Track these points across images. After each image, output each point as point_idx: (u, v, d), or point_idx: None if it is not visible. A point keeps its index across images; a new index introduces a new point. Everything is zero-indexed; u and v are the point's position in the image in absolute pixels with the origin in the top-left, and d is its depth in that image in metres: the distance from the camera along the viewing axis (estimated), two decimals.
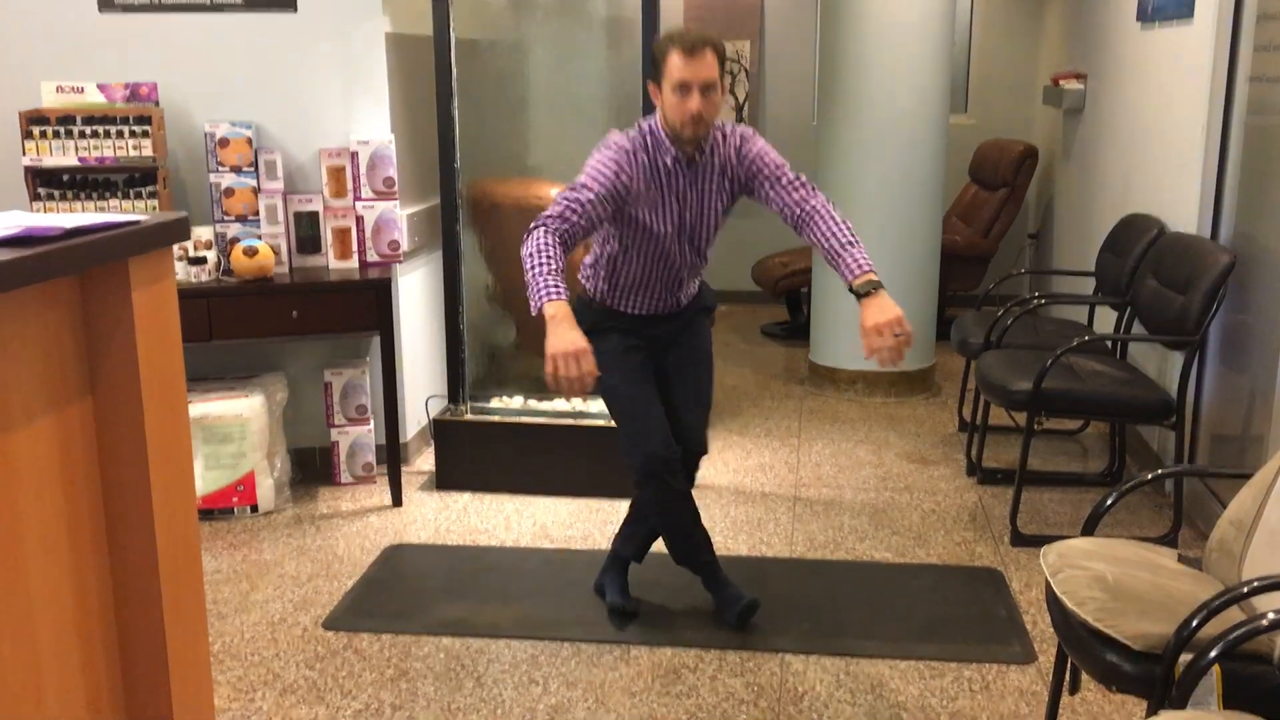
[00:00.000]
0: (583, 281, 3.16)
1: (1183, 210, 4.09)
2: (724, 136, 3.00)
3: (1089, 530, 2.53)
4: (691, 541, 3.23)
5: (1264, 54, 3.63)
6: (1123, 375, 3.88)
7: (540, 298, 2.61)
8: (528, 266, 2.66)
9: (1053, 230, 6.54)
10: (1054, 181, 6.53)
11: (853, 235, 2.89)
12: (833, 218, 2.90)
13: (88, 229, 1.70)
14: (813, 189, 2.99)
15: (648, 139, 2.93)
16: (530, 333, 4.84)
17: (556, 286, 2.61)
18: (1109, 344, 4.31)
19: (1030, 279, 6.69)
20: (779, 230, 7.27)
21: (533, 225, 2.74)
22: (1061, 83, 5.89)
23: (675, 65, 2.80)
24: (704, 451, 3.23)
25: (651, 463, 3.01)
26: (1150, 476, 2.53)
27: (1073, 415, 3.97)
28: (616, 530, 3.44)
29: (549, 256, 2.65)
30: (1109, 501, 2.50)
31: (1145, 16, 4.60)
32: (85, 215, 1.79)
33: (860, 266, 2.79)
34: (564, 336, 2.55)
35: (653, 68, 2.90)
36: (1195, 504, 3.90)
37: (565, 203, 2.76)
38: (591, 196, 2.78)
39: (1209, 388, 3.97)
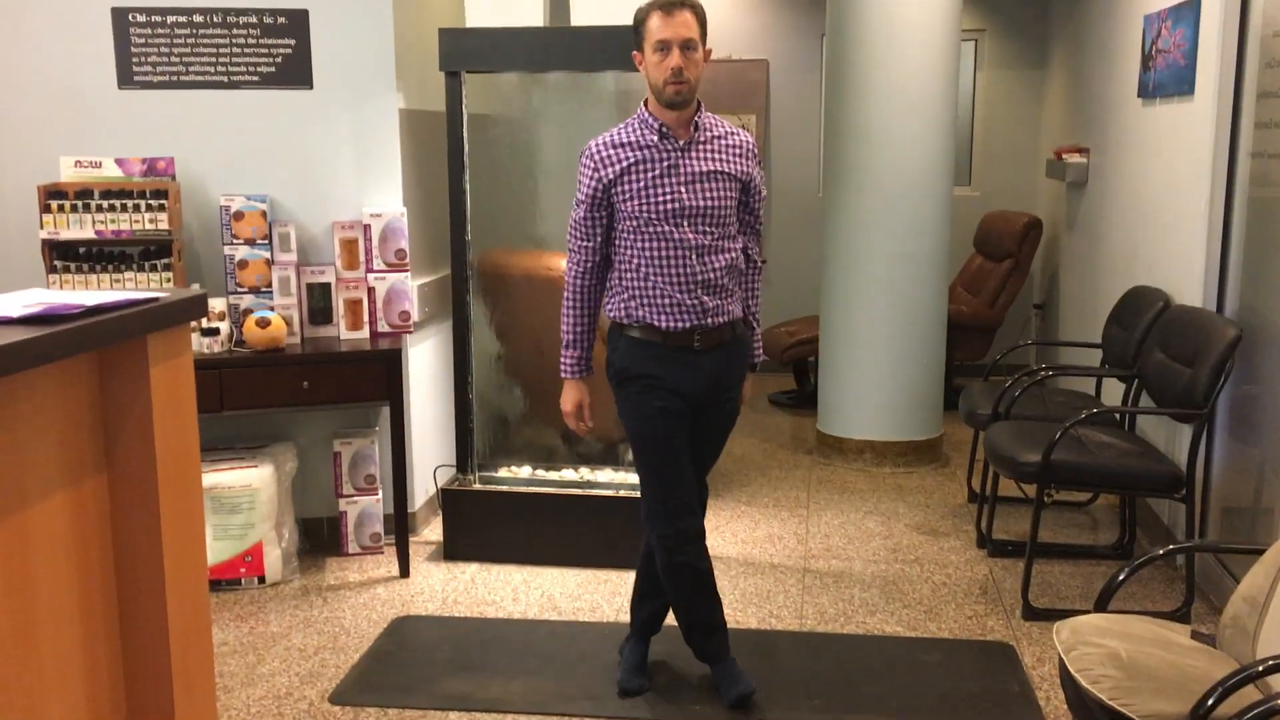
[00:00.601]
0: (608, 311, 3.10)
1: (1188, 283, 4.12)
2: (730, 130, 3.03)
3: (1101, 607, 2.51)
4: (704, 625, 3.17)
5: (1265, 130, 3.68)
6: (1132, 448, 3.88)
7: (565, 371, 3.14)
8: (566, 321, 3.12)
9: (1058, 301, 6.57)
10: (1059, 253, 6.58)
11: (757, 315, 3.24)
12: (755, 287, 3.21)
13: (107, 307, 1.73)
14: (757, 238, 3.18)
15: (634, 121, 2.98)
16: (540, 403, 4.86)
17: (576, 364, 3.12)
18: (1118, 416, 4.31)
19: (1037, 350, 6.71)
20: (786, 299, 7.34)
21: (566, 266, 3.08)
22: (1064, 156, 5.96)
23: (654, 25, 2.86)
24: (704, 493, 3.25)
25: (671, 540, 3.02)
26: (1161, 553, 2.52)
27: (1082, 488, 3.95)
28: (630, 600, 3.39)
29: (568, 316, 3.10)
30: (1121, 578, 2.49)
31: (1146, 93, 4.67)
32: (104, 293, 1.82)
33: (757, 356, 3.24)
34: (566, 397, 3.16)
35: (634, 38, 2.94)
36: (1207, 578, 3.88)
37: (569, 231, 3.06)
38: (581, 212, 3.01)
39: (1219, 460, 3.97)
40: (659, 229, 2.93)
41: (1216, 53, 3.88)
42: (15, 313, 1.64)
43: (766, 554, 4.36)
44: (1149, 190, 4.66)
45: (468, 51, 4.12)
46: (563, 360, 3.12)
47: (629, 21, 3.97)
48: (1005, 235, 6.57)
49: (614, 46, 3.99)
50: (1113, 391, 4.75)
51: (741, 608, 3.87)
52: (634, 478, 4.43)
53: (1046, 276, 6.93)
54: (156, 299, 1.84)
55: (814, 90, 7.38)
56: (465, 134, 4.20)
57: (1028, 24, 7.25)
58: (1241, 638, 2.31)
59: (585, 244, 3.03)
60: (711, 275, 2.97)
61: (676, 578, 3.09)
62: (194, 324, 3.93)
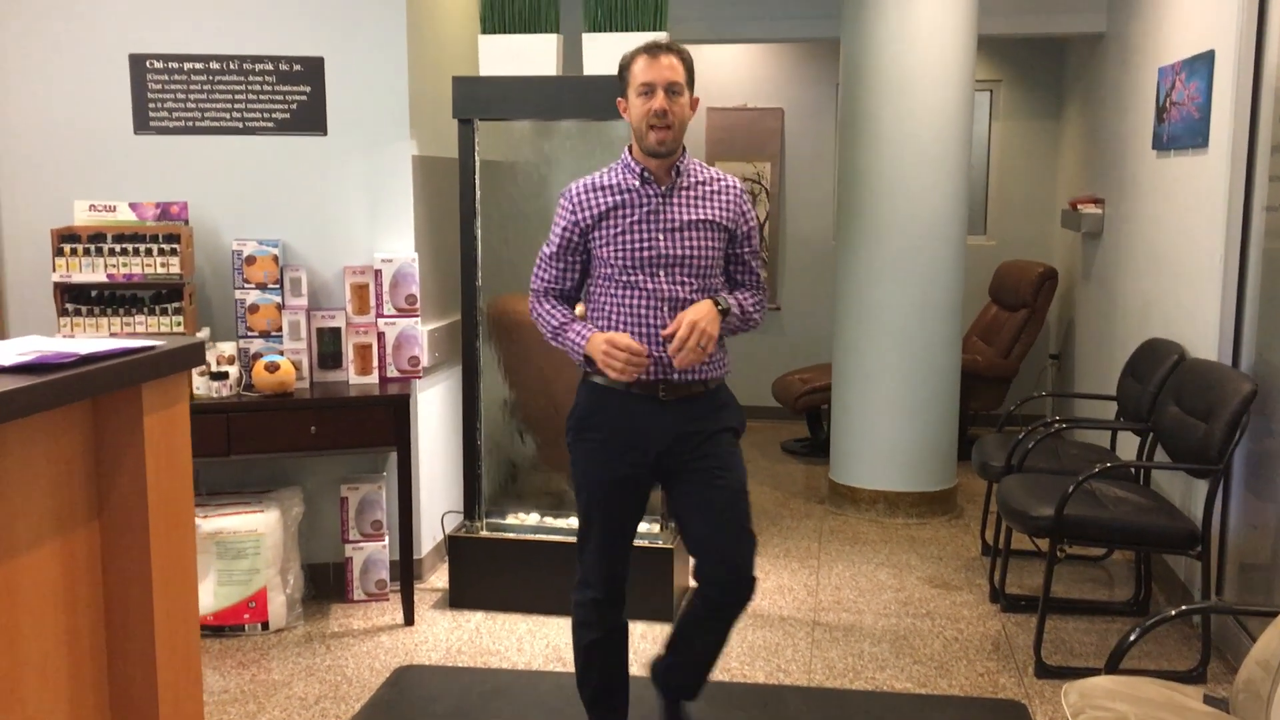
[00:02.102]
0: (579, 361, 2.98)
1: (1203, 336, 4.08)
2: (716, 175, 2.91)
3: (1112, 668, 2.46)
4: (601, 696, 3.04)
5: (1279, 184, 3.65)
6: (1146, 503, 3.82)
7: (578, 349, 2.83)
8: (547, 336, 2.92)
9: (1074, 352, 6.53)
10: (1074, 303, 6.54)
11: (751, 301, 2.94)
12: (754, 298, 2.97)
13: (101, 355, 1.72)
14: (757, 285, 2.99)
15: (616, 166, 2.90)
16: (549, 449, 4.84)
17: (580, 332, 2.84)
18: (1133, 470, 4.25)
19: (1053, 401, 6.64)
20: (799, 346, 7.32)
21: (529, 299, 2.98)
22: (1080, 207, 5.94)
23: (638, 69, 2.79)
24: (746, 578, 2.89)
25: (579, 609, 2.98)
26: (1173, 614, 2.47)
27: (1095, 543, 3.89)
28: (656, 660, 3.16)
29: (554, 313, 2.91)
30: (1132, 638, 2.44)
31: (1161, 145, 4.66)
32: (100, 340, 1.81)
33: (729, 296, 2.88)
34: (597, 348, 2.78)
35: (620, 84, 2.87)
36: (1224, 637, 3.80)
37: (536, 266, 2.97)
38: (552, 250, 2.93)
39: (1235, 516, 3.90)
40: (633, 279, 2.81)
41: (1230, 106, 3.86)
42: (8, 361, 1.64)
43: (776, 606, 4.31)
44: (1163, 242, 4.63)
45: (481, 100, 4.14)
46: (570, 343, 2.86)
47: None
48: (1021, 285, 6.55)
49: None
50: (1128, 444, 4.69)
51: (749, 661, 3.81)
52: (642, 525, 4.40)
53: (1063, 327, 6.89)
54: (153, 348, 1.83)
55: (829, 138, 7.40)
56: (477, 181, 4.21)
57: (1043, 75, 7.26)
58: (1255, 703, 2.25)
59: (547, 283, 2.94)
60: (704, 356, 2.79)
61: (577, 642, 3.02)
62: (203, 368, 3.93)
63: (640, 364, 2.73)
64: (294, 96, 4.20)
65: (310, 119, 4.22)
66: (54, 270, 3.88)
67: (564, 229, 2.90)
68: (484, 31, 4.19)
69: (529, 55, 4.14)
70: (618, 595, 2.98)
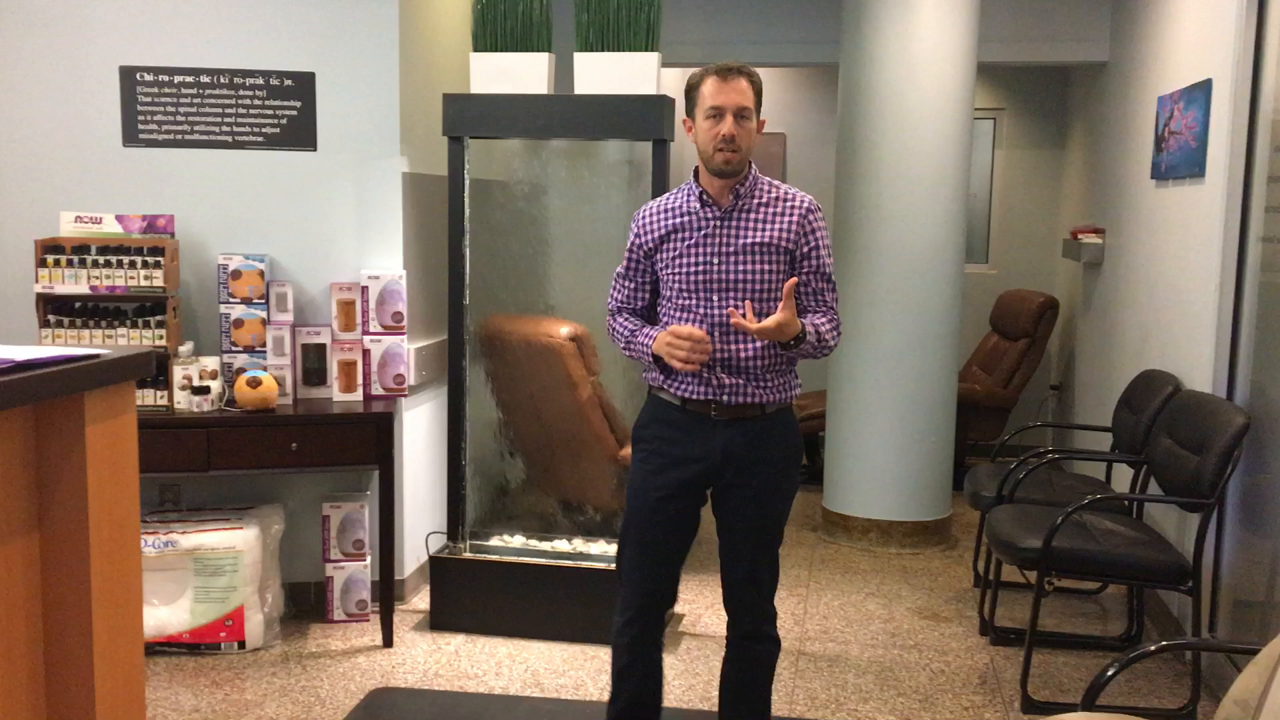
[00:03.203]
0: (644, 376, 2.96)
1: (1198, 368, 4.02)
2: (785, 195, 2.81)
3: (1089, 704, 2.39)
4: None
5: (1276, 215, 3.60)
6: (1137, 536, 3.76)
7: (646, 350, 2.80)
8: (621, 347, 2.91)
9: (1074, 383, 6.46)
10: (1075, 333, 6.48)
11: (827, 325, 2.79)
12: (828, 320, 2.82)
13: (41, 362, 1.68)
14: (829, 310, 2.85)
15: (685, 187, 2.86)
16: (537, 470, 4.79)
17: (648, 333, 2.82)
18: (1125, 503, 4.18)
19: (1052, 432, 6.57)
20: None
21: (606, 321, 2.99)
22: (1080, 236, 5.89)
23: (708, 91, 2.73)
24: (764, 625, 2.89)
25: (616, 631, 2.94)
26: (1153, 649, 2.41)
27: (1084, 576, 3.82)
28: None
29: (626, 323, 2.90)
30: (1109, 673, 2.37)
31: (1159, 175, 4.61)
32: (42, 349, 1.78)
33: (808, 325, 2.73)
34: (661, 344, 2.74)
35: (687, 103, 2.83)
36: (1216, 674, 3.72)
37: (612, 285, 2.97)
38: (623, 269, 2.94)
39: (1228, 551, 3.83)
40: (688, 301, 2.77)
41: (1227, 136, 3.82)
42: None
43: None
44: (1161, 273, 4.58)
45: (471, 117, 4.12)
46: (639, 348, 2.83)
47: (633, 90, 3.98)
48: (1021, 314, 6.49)
49: (616, 114, 3.99)
50: (1122, 476, 4.63)
51: None
52: (600, 546, 4.36)
53: (1063, 357, 6.83)
54: (96, 356, 1.80)
55: (830, 163, 7.33)
56: (466, 199, 4.19)
57: (1046, 104, 7.23)
58: None
59: (620, 301, 2.95)
60: (730, 353, 2.75)
61: (613, 664, 2.98)
62: (184, 381, 3.90)
63: (704, 349, 2.68)
64: (284, 111, 4.19)
65: (300, 134, 4.20)
66: (36, 281, 3.86)
67: (631, 249, 2.93)
68: (476, 49, 4.17)
69: (520, 74, 4.12)
70: (651, 621, 2.92)
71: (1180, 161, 4.30)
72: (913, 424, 5.23)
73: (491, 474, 4.71)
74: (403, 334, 4.20)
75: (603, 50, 4.08)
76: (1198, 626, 3.60)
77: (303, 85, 4.18)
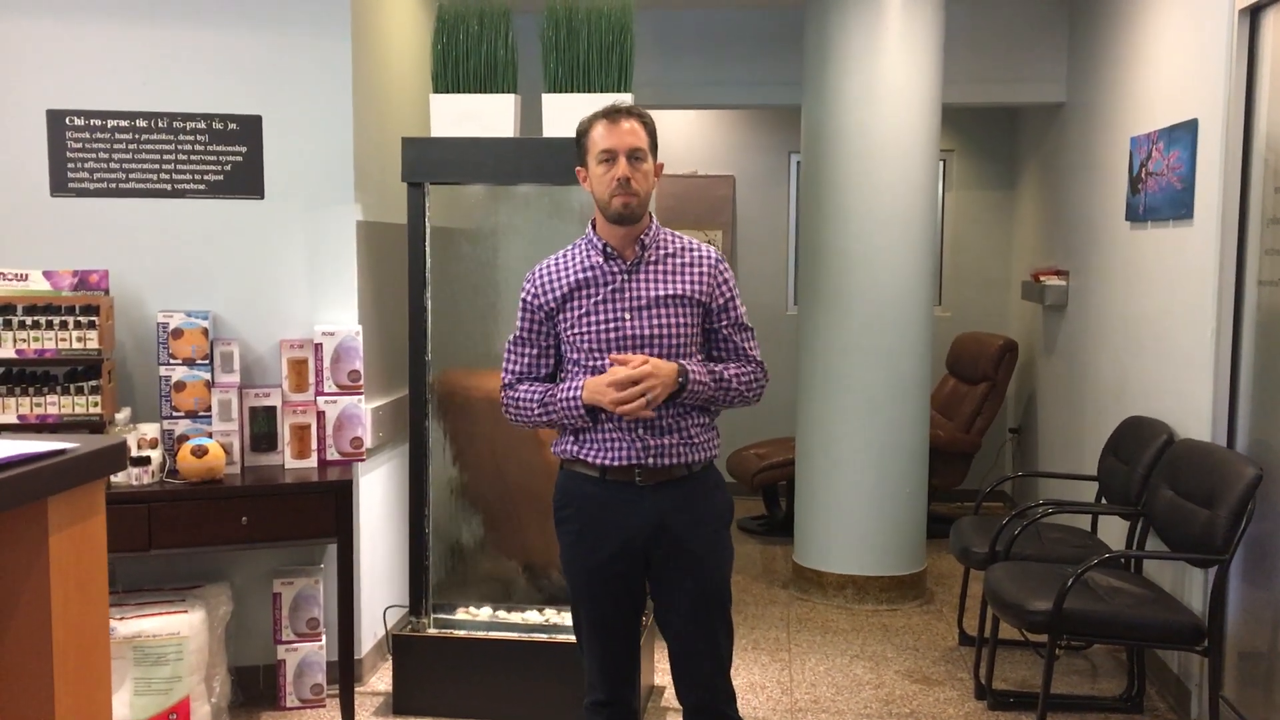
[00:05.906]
0: (554, 448, 2.75)
1: (1193, 416, 3.89)
2: (690, 245, 2.71)
3: None
4: None
5: (1275, 257, 3.50)
6: (1144, 593, 3.60)
7: (575, 405, 2.59)
8: (532, 417, 2.67)
9: (1035, 427, 6.36)
10: (1036, 376, 6.39)
11: (736, 369, 2.70)
12: (744, 373, 2.73)
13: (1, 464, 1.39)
14: (750, 359, 2.76)
15: (581, 242, 2.72)
16: (503, 534, 4.50)
17: (570, 387, 2.61)
18: (1130, 560, 4.03)
19: (1022, 480, 6.42)
20: (755, 419, 7.03)
21: (501, 396, 2.76)
22: (1042, 278, 5.80)
23: (598, 135, 2.61)
24: (724, 707, 2.71)
25: (586, 712, 2.76)
26: None
27: (1094, 639, 3.65)
28: None
29: (531, 390, 2.68)
30: None
31: (1136, 216, 4.52)
32: (2, 444, 1.48)
33: (696, 365, 2.63)
34: (596, 391, 2.55)
35: (578, 151, 2.68)
36: None
37: (505, 358, 2.76)
38: (518, 335, 2.75)
39: (1233, 605, 3.69)
40: (600, 362, 2.61)
41: (1219, 176, 3.72)
42: None
43: (749, 706, 3.99)
44: (1141, 316, 4.47)
45: (432, 162, 3.87)
46: (563, 406, 2.63)
47: None
48: (980, 357, 6.39)
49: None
50: (1108, 528, 4.49)
51: None
52: (547, 615, 4.11)
53: (1022, 400, 6.73)
54: (63, 451, 1.51)
55: (781, 206, 7.24)
56: (427, 248, 3.93)
57: (996, 145, 7.19)
58: None
59: (518, 373, 2.74)
60: (659, 416, 2.60)
61: None
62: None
63: (654, 386, 2.52)
64: (228, 157, 3.89)
65: (246, 181, 3.90)
66: None
67: (527, 311, 2.72)
68: (436, 90, 3.92)
69: (484, 116, 3.88)
70: (622, 699, 2.72)
71: (1163, 203, 4.20)
72: (887, 474, 5.06)
73: (452, 538, 4.41)
74: (360, 393, 3.91)
75: (572, 91, 3.86)
76: (1215, 687, 3.45)
77: (248, 129, 3.89)
